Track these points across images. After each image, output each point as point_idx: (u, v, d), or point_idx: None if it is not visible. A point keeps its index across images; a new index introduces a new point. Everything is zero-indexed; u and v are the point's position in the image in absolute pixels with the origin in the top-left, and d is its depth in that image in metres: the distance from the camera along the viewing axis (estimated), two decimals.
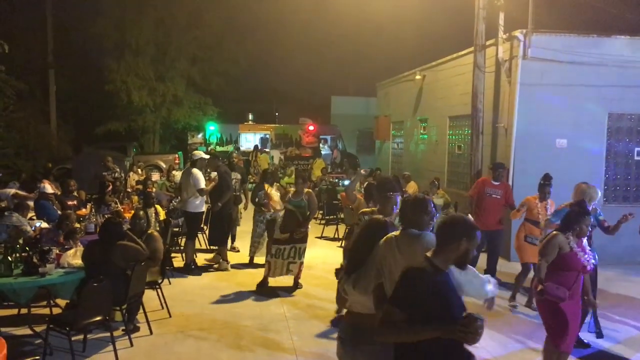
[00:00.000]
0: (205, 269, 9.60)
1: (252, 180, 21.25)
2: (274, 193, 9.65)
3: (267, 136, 27.16)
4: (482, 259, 8.69)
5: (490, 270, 8.87)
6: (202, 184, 9.47)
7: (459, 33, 15.31)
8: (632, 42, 11.02)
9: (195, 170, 9.50)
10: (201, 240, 10.83)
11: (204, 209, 9.84)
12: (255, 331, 6.75)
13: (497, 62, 11.45)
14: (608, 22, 13.58)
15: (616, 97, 10.92)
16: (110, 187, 12.45)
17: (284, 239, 8.42)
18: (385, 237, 3.65)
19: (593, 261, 5.54)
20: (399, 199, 4.70)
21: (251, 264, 9.92)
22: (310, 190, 8.97)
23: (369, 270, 3.60)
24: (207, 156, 10.01)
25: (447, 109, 14.42)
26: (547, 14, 11.84)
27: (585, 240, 5.32)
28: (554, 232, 5.25)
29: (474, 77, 11.44)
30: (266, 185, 9.83)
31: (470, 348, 3.72)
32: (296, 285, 8.60)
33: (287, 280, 8.68)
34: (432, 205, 3.70)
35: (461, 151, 13.74)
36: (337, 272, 4.00)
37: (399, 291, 3.04)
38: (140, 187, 13.71)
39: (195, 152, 10.50)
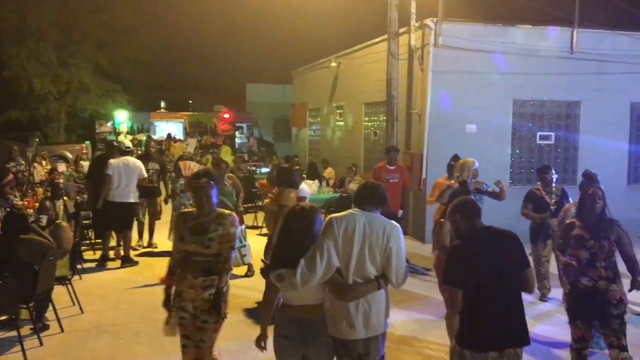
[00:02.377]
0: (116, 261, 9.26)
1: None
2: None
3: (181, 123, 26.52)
4: None
5: None
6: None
7: (373, 20, 15.53)
8: (534, 32, 11.60)
9: (136, 160, 9.57)
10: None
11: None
12: None
13: (410, 49, 11.72)
14: (515, 12, 14.18)
15: (520, 84, 11.47)
16: (10, 177, 11.67)
17: None
18: (345, 223, 3.57)
19: None
20: (214, 191, 4.45)
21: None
22: (232, 174, 8.90)
23: (319, 259, 3.47)
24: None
25: (363, 96, 14.62)
26: (457, 2, 12.20)
27: None
28: (441, 219, 5.54)
29: (388, 64, 11.64)
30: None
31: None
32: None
33: None
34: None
35: (377, 137, 13.99)
36: (263, 271, 3.86)
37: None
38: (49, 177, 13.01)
39: (126, 140, 10.25)
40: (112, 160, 9.32)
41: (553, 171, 7.72)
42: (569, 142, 12.00)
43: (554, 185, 7.58)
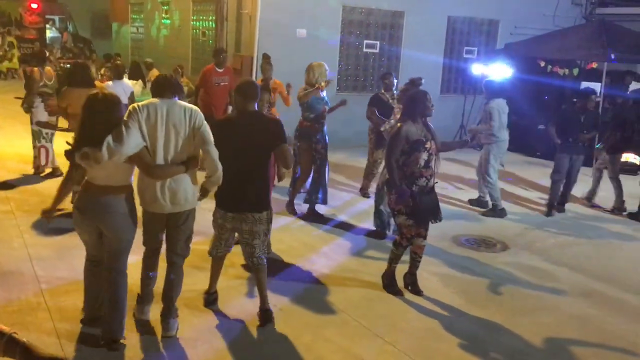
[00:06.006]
0: None
1: None
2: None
3: None
4: None
5: None
6: None
7: None
8: None
9: None
10: None
11: None
12: None
13: None
14: None
15: None
16: None
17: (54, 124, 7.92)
18: (146, 110, 3.85)
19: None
20: None
21: None
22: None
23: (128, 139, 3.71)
24: None
25: None
26: None
27: None
28: None
29: None
30: None
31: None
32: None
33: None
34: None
35: (206, 38, 13.39)
36: (67, 152, 3.86)
37: None
38: None
39: None
40: None
41: (394, 77, 7.98)
42: (392, 52, 12.49)
43: (395, 91, 7.81)
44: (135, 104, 3.93)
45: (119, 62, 10.49)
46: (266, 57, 8.35)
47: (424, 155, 4.90)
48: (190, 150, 4.00)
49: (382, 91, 7.90)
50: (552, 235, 7.23)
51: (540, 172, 10.19)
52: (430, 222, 5.12)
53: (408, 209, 4.93)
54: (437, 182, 5.14)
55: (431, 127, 5.09)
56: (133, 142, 3.74)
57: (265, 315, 4.48)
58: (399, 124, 5.01)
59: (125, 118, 3.81)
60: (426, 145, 4.91)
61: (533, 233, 7.27)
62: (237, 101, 4.36)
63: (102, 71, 13.33)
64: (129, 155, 3.75)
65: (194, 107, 4.06)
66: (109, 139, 3.66)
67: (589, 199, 8.63)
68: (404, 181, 4.92)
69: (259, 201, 4.34)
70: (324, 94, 6.98)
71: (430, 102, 5.02)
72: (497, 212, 7.76)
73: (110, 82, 8.40)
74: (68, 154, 3.81)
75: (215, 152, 4.03)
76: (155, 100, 3.96)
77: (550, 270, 6.06)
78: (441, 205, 7.49)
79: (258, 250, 4.40)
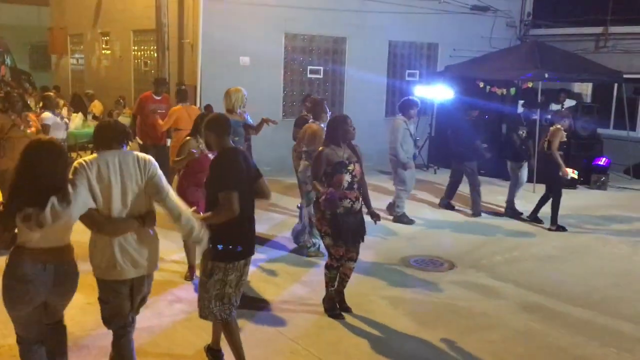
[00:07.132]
0: None
1: None
2: None
3: None
4: None
5: None
6: None
7: None
8: None
9: None
10: None
11: None
12: None
13: None
14: None
15: (291, 17, 11.64)
16: None
17: None
18: (96, 166, 3.41)
19: None
20: None
21: None
22: None
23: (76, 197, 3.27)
24: None
25: (131, 23, 13.58)
26: None
27: None
28: (187, 138, 5.76)
29: None
30: None
31: None
32: None
33: None
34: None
35: (148, 67, 13.23)
36: (6, 213, 3.32)
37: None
38: None
39: None
40: None
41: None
42: (336, 77, 12.66)
43: None
44: (82, 160, 3.47)
45: (48, 93, 10.23)
46: (180, 84, 8.38)
47: (347, 177, 5.00)
48: (148, 204, 3.59)
49: (304, 112, 8.14)
50: (497, 252, 7.36)
51: (486, 190, 10.38)
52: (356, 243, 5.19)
53: (332, 231, 5.01)
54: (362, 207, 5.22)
55: (358, 150, 5.20)
56: (81, 202, 3.29)
57: None
58: (320, 148, 5.18)
59: (71, 176, 3.34)
60: (349, 168, 5.02)
61: (479, 251, 7.39)
62: (210, 138, 4.08)
63: (41, 104, 12.94)
64: (76, 218, 3.33)
65: (147, 157, 3.64)
66: (54, 199, 3.18)
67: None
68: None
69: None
70: (247, 116, 7.12)
71: (350, 125, 5.15)
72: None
73: (47, 113, 8.16)
74: (4, 215, 3.23)
75: (176, 201, 3.61)
76: (104, 152, 3.51)
77: (496, 287, 6.16)
78: (389, 224, 7.61)
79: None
